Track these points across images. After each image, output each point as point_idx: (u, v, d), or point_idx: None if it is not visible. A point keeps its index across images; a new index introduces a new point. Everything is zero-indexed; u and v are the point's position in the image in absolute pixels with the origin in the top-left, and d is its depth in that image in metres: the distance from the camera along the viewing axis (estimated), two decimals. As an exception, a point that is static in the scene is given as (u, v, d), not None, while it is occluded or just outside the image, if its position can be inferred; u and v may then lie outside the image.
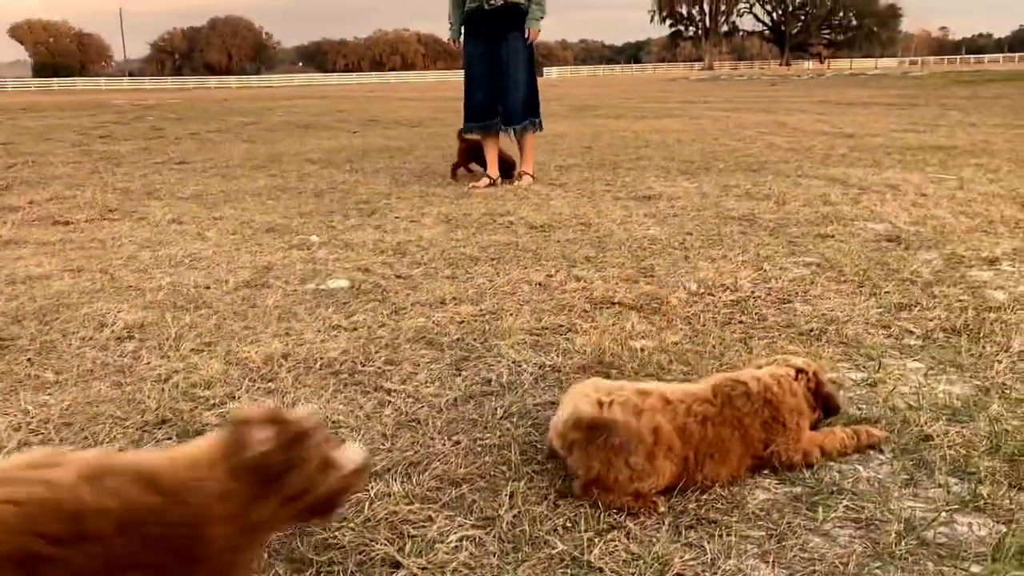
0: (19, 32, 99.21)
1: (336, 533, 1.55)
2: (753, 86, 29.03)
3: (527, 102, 6.02)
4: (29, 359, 2.55)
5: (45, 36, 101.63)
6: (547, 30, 6.16)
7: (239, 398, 2.19)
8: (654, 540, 1.51)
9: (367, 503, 1.65)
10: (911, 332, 2.64)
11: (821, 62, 77.43)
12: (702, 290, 3.12)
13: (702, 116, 13.23)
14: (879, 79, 31.59)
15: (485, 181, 6.00)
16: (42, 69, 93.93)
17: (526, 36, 5.90)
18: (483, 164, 6.24)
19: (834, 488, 1.69)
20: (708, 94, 22.79)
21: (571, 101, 19.16)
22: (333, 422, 2.04)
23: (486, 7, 5.80)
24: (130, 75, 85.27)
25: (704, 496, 1.67)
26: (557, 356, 2.47)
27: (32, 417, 2.11)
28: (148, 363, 2.49)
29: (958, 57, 77.82)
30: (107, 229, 4.63)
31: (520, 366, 2.40)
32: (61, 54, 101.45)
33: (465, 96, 6.15)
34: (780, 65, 75.03)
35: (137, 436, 1.98)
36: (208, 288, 3.30)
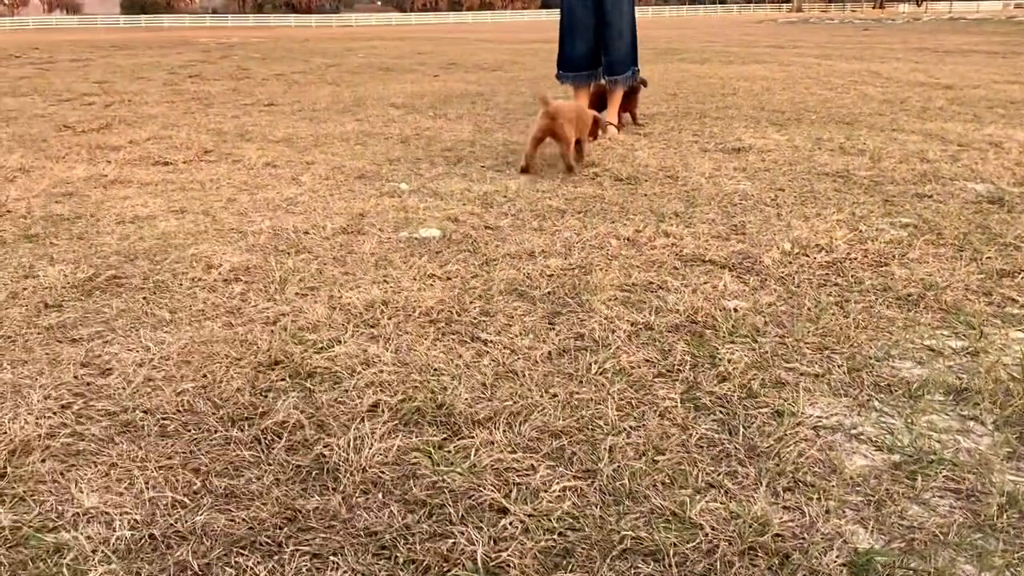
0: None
1: (445, 477, 1.63)
2: (845, 30, 27.83)
3: (629, 50, 5.94)
4: (145, 298, 2.71)
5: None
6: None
7: (345, 342, 2.29)
8: (752, 500, 1.55)
9: (473, 450, 1.73)
10: (1015, 300, 2.58)
11: (918, 5, 73.56)
12: (796, 250, 3.09)
13: (791, 62, 12.80)
14: (980, 24, 29.90)
15: None
16: (130, 6, 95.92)
17: None
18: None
19: (933, 457, 1.70)
20: (797, 38, 21.97)
21: (654, 44, 18.72)
22: (435, 369, 2.12)
23: None
24: (213, 12, 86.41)
25: (801, 458, 1.70)
26: (650, 314, 2.50)
27: (153, 354, 2.25)
28: (256, 305, 2.61)
29: (1069, 1, 72.77)
30: (205, 171, 4.79)
31: (613, 322, 2.44)
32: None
33: (562, 42, 6.04)
34: (874, 8, 71.54)
35: (253, 376, 2.10)
36: (307, 233, 3.41)
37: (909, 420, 1.86)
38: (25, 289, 2.77)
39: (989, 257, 2.97)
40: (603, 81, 6.05)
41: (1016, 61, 12.49)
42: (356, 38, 27.58)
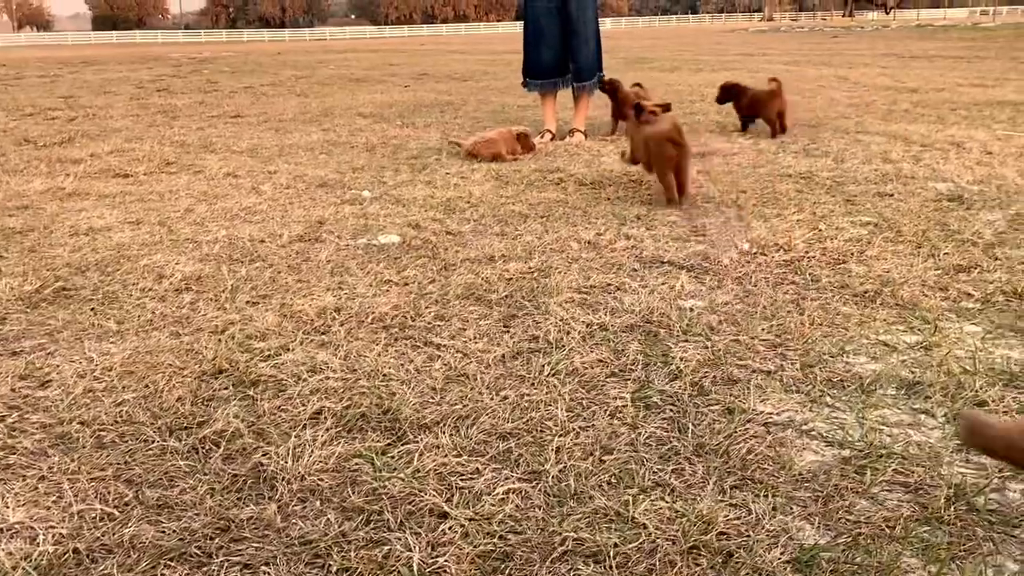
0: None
1: (386, 483, 1.59)
2: (814, 38, 28.14)
3: (595, 57, 5.94)
4: (93, 309, 2.64)
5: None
6: (601, -19, 6.05)
7: (293, 350, 2.24)
8: (698, 498, 1.52)
9: (417, 454, 1.68)
10: (970, 295, 2.58)
11: (887, 13, 74.51)
12: (755, 250, 3.08)
13: (760, 69, 12.87)
14: (947, 31, 30.34)
15: (548, 136, 5.95)
16: (102, 22, 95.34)
17: None
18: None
19: (883, 451, 1.68)
20: (767, 46, 22.17)
21: (625, 53, 18.79)
22: (384, 375, 2.08)
23: None
24: (186, 28, 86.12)
25: (750, 455, 1.67)
26: (605, 315, 2.47)
27: (96, 365, 2.19)
28: (205, 314, 2.55)
29: (1033, 7, 73.88)
30: (165, 182, 4.72)
31: (568, 324, 2.41)
32: (120, 7, 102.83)
33: (528, 51, 6.03)
34: (843, 16, 72.38)
35: (195, 385, 2.04)
36: (263, 242, 3.36)
37: (861, 415, 1.84)
38: (-32, 302, 2.70)
39: (946, 253, 2.98)
40: (571, 88, 6.03)
41: (980, 65, 12.65)
42: (329, 51, 27.52)
